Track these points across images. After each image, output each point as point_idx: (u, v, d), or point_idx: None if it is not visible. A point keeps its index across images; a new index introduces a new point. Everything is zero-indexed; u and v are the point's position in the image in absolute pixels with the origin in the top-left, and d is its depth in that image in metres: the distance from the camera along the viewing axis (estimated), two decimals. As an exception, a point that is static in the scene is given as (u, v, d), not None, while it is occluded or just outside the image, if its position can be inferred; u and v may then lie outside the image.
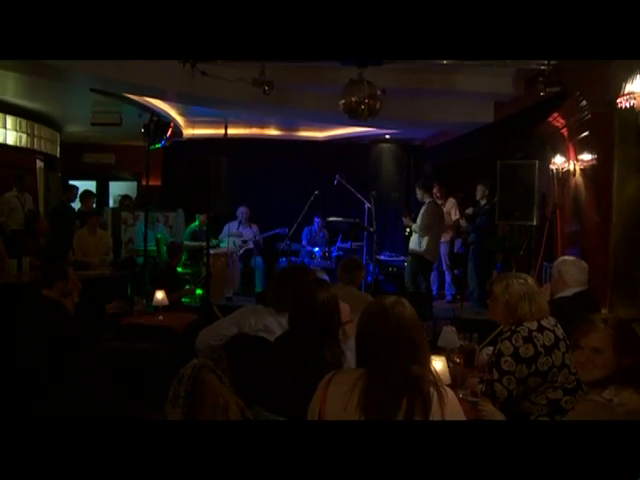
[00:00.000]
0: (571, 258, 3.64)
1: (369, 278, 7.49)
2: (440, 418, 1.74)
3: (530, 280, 2.69)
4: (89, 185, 10.79)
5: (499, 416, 2.33)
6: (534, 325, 2.57)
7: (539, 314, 2.61)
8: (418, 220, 6.78)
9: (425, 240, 6.68)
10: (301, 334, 2.37)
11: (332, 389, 1.83)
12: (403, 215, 7.35)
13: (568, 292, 3.44)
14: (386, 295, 1.93)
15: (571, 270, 3.48)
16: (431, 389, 1.75)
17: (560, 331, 2.62)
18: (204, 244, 5.99)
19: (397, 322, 1.80)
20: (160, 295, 4.81)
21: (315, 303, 2.38)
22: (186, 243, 7.84)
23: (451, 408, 1.77)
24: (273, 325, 2.99)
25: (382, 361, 1.77)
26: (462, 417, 1.84)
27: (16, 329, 3.64)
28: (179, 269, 7.11)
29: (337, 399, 1.80)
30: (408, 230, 7.10)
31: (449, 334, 3.07)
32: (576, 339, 2.08)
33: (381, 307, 1.86)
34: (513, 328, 2.60)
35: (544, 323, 2.60)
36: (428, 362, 1.86)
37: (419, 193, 6.98)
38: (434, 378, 1.81)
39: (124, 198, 10.64)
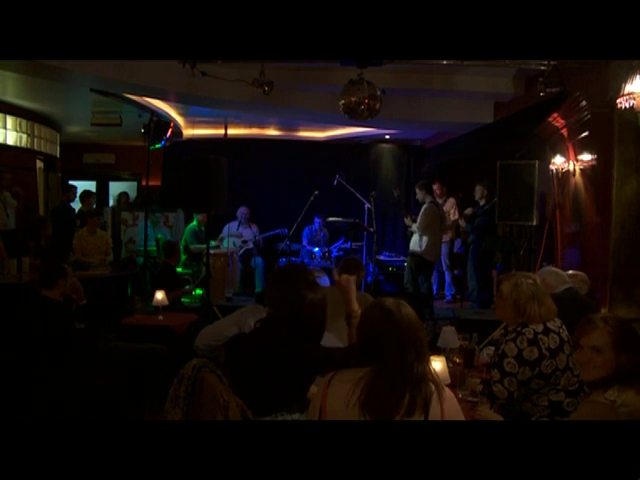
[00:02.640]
0: (546, 268, 3.98)
1: (369, 278, 7.49)
2: (439, 414, 1.75)
3: (539, 280, 2.67)
4: (89, 185, 10.78)
5: (496, 419, 2.33)
6: (540, 327, 2.56)
7: (547, 315, 2.59)
8: (418, 220, 6.76)
9: (425, 240, 6.66)
10: (278, 333, 2.32)
11: (333, 388, 1.84)
12: (404, 216, 7.35)
13: (556, 290, 3.52)
14: (384, 297, 1.93)
15: (549, 275, 3.63)
16: (431, 385, 1.78)
17: (565, 333, 2.60)
18: (211, 245, 5.99)
19: (406, 323, 1.83)
20: (160, 295, 4.81)
21: (303, 304, 2.33)
22: (194, 246, 7.86)
23: (449, 404, 1.79)
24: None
25: (393, 361, 1.79)
26: (460, 413, 1.85)
27: (17, 330, 3.64)
28: (179, 269, 7.12)
29: (339, 397, 1.80)
30: (410, 231, 7.09)
31: (449, 334, 3.07)
32: (577, 338, 2.08)
33: (387, 310, 1.87)
34: (519, 330, 2.58)
35: (550, 325, 2.58)
36: (429, 360, 1.89)
37: (419, 194, 6.95)
38: (432, 375, 1.84)
39: (121, 195, 10.61)
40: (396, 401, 1.74)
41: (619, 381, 1.93)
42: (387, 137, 9.65)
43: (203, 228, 7.86)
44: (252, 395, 2.33)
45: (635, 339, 2.00)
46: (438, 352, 2.88)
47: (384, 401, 1.74)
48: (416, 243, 6.77)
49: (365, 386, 1.77)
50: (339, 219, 7.72)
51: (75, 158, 11.47)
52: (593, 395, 2.00)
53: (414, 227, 6.79)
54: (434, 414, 1.74)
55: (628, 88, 3.68)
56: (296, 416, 2.25)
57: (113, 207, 9.89)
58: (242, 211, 8.32)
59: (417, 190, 7.03)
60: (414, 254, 6.78)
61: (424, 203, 6.91)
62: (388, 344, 1.81)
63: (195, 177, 5.54)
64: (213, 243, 8.00)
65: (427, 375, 1.80)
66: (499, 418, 2.33)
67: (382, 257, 8.47)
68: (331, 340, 2.54)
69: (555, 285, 3.57)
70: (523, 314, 2.59)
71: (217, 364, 2.64)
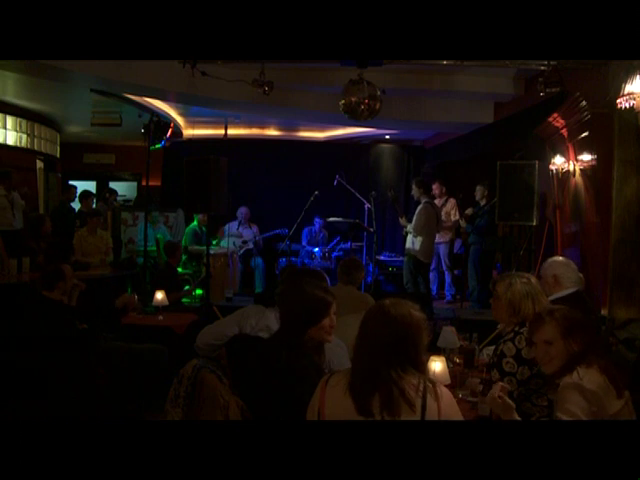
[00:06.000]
0: (561, 259, 3.58)
1: (369, 278, 7.49)
2: (436, 411, 1.75)
3: (533, 279, 2.69)
4: (89, 185, 10.78)
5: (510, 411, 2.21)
6: None
7: None
8: (413, 220, 6.74)
9: (419, 240, 6.64)
10: (292, 343, 2.33)
11: (329, 390, 1.85)
12: (399, 216, 7.34)
13: (562, 293, 3.36)
14: (390, 299, 1.91)
15: (566, 272, 3.42)
16: (428, 384, 1.78)
17: None
18: (213, 243, 6.02)
19: (380, 322, 1.83)
20: (160, 295, 4.81)
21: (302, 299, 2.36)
22: (192, 247, 7.86)
23: (446, 401, 1.79)
24: (274, 324, 2.99)
25: (359, 362, 1.82)
26: (457, 409, 1.86)
27: (18, 330, 3.64)
28: (179, 269, 7.12)
29: (335, 399, 1.82)
30: (406, 231, 7.09)
31: (449, 334, 3.07)
32: (530, 336, 2.23)
33: (371, 309, 1.90)
34: (516, 329, 2.59)
35: None
36: (420, 362, 1.85)
37: (416, 191, 6.91)
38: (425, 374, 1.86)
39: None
40: (364, 401, 1.75)
41: (577, 362, 2.08)
42: (387, 137, 9.65)
43: (204, 228, 7.86)
44: (255, 397, 2.32)
45: (580, 325, 2.16)
46: (438, 352, 2.88)
47: (358, 400, 1.76)
48: (410, 242, 6.76)
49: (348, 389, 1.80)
50: (339, 219, 7.71)
51: (75, 158, 11.48)
52: (562, 381, 2.11)
53: (409, 227, 6.78)
54: (431, 412, 1.74)
55: (628, 88, 3.67)
56: None
57: (114, 207, 9.86)
58: (242, 211, 8.32)
59: (413, 186, 6.98)
60: (409, 254, 6.77)
61: (419, 202, 6.88)
62: (359, 344, 1.85)
63: (195, 177, 5.55)
64: (215, 242, 8.00)
65: (409, 378, 1.77)
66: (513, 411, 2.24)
67: (382, 257, 8.48)
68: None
69: (565, 285, 3.37)
70: (518, 313, 2.61)
71: (218, 364, 2.65)
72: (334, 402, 1.81)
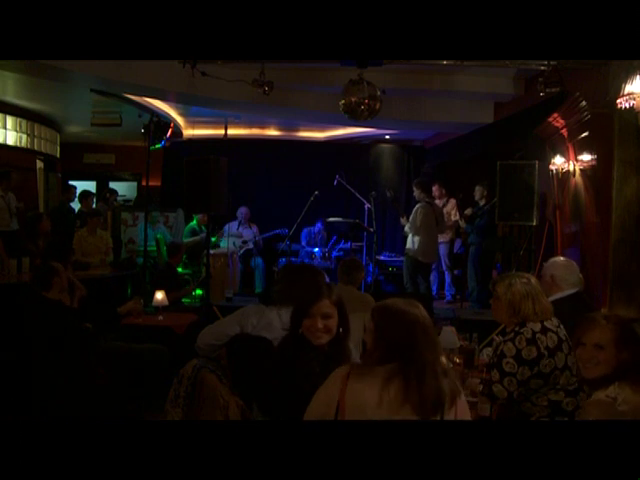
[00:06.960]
0: (562, 260, 3.58)
1: (369, 278, 7.49)
2: (454, 412, 1.77)
3: (533, 280, 2.68)
4: (89, 185, 10.78)
5: None
6: (537, 327, 2.56)
7: (543, 314, 2.59)
8: (410, 220, 6.75)
9: (417, 240, 6.64)
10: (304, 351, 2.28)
11: (355, 384, 1.78)
12: (400, 215, 7.34)
13: (561, 294, 3.35)
14: (400, 298, 1.90)
15: (565, 274, 3.41)
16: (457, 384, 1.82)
17: (563, 332, 2.60)
18: (203, 236, 6.04)
19: (428, 321, 1.84)
20: (160, 295, 4.81)
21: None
22: (186, 240, 7.84)
23: (462, 404, 1.81)
24: (275, 321, 2.99)
25: (426, 356, 1.79)
26: (468, 410, 1.87)
27: (17, 330, 3.64)
28: (179, 269, 7.12)
29: (363, 394, 1.75)
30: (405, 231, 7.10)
31: (449, 334, 3.07)
32: (578, 336, 2.13)
33: (404, 311, 1.86)
34: (517, 329, 2.58)
35: (547, 324, 2.58)
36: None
37: (416, 192, 6.93)
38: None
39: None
40: (440, 393, 1.75)
41: (618, 378, 1.99)
42: (387, 137, 9.66)
43: (203, 227, 7.86)
44: (255, 397, 2.32)
45: (634, 336, 2.09)
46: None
47: (437, 395, 1.75)
48: (410, 243, 6.76)
49: (402, 386, 1.75)
50: (339, 219, 7.72)
51: (75, 158, 11.48)
52: (595, 394, 2.03)
53: (406, 227, 6.78)
54: (450, 413, 1.76)
55: (628, 88, 3.67)
56: None
57: (114, 207, 9.87)
58: (242, 211, 8.32)
59: (414, 188, 7.02)
60: (408, 254, 6.77)
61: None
62: (420, 342, 1.80)
63: (195, 177, 5.55)
64: (214, 240, 7.99)
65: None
66: None
67: (382, 257, 8.49)
68: None
69: (563, 287, 3.37)
70: (518, 313, 2.60)
71: (218, 364, 2.65)
72: (362, 396, 1.75)
